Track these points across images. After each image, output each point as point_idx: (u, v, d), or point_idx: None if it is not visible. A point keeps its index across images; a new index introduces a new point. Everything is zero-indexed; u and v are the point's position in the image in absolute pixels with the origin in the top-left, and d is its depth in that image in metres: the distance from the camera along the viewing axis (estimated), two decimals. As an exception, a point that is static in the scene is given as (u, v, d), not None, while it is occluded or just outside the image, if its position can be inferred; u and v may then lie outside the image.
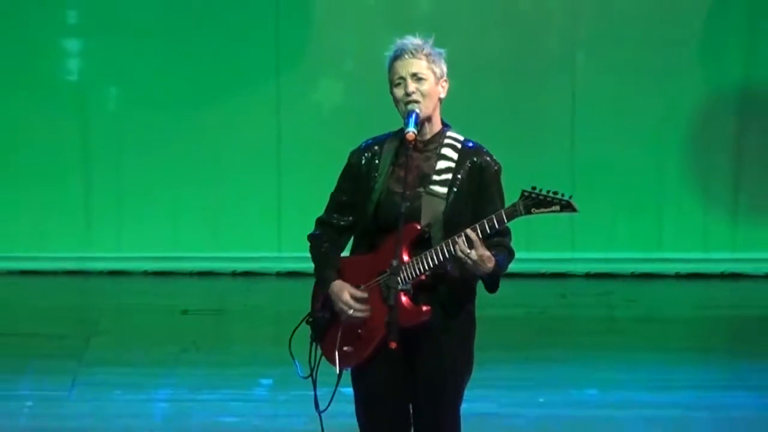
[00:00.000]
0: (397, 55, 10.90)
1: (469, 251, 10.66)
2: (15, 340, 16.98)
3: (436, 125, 11.02)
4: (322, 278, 11.13)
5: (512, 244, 10.86)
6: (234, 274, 18.01)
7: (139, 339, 17.24)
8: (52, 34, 18.66)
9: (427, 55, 11.08)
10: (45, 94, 18.20)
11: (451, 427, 11.48)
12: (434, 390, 11.59)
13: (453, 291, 11.18)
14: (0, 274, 18.98)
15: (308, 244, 10.87)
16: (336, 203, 11.13)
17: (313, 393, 10.80)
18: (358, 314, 10.94)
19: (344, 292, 10.89)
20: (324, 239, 11.25)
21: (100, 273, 18.69)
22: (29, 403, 16.10)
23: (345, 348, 11.20)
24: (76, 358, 16.68)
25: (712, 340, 18.28)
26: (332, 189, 10.91)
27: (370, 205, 11.23)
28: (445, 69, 11.01)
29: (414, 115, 10.68)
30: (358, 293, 10.94)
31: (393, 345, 10.74)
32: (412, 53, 11.06)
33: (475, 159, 11.04)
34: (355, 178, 11.14)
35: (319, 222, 11.14)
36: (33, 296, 18.45)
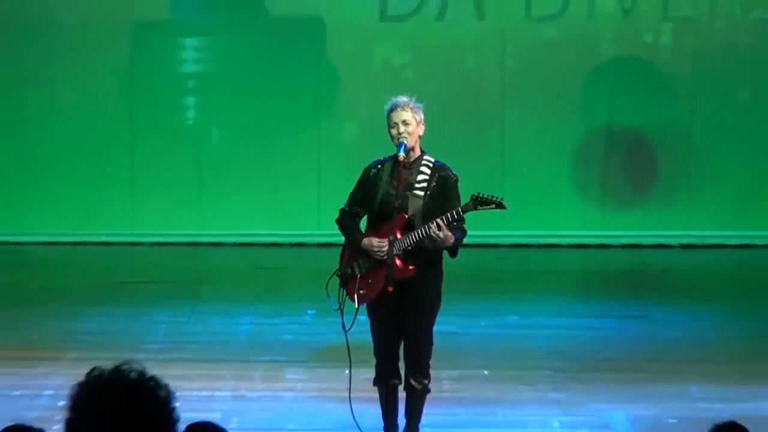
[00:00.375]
0: (392, 108, 12.04)
1: (438, 232, 11.69)
2: (157, 286, 16.89)
3: (417, 152, 12.13)
4: (353, 240, 12.11)
5: (465, 226, 11.95)
6: (290, 244, 17.65)
7: (232, 286, 17.33)
8: (178, 95, 17.72)
9: (411, 108, 12.07)
10: (171, 133, 17.39)
11: (427, 341, 12.30)
12: (416, 317, 12.27)
13: (428, 256, 12.12)
14: (143, 245, 18.47)
15: (337, 224, 12.15)
16: (354, 199, 12.20)
17: (341, 319, 11.85)
18: (382, 252, 11.76)
19: (372, 241, 11.84)
20: (347, 220, 12.19)
21: (207, 244, 18.32)
22: (164, 325, 16.22)
23: (360, 291, 11.99)
24: (193, 298, 16.73)
25: (591, 287, 18.65)
26: (351, 190, 12.14)
27: (375, 202, 12.11)
28: (422, 117, 12.13)
29: (402, 146, 11.83)
30: (376, 241, 11.82)
31: (390, 289, 11.80)
32: (402, 107, 12.09)
33: (441, 173, 12.16)
34: (366, 184, 12.17)
35: (342, 211, 12.15)
36: (165, 260, 18.21)
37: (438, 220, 11.68)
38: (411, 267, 11.89)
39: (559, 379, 14.21)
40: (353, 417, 11.84)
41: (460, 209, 11.85)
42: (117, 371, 5.48)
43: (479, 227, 18.62)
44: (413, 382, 12.05)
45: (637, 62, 19.22)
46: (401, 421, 12.16)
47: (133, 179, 18.78)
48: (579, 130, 19.49)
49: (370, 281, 11.92)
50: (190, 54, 19.21)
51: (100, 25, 18.89)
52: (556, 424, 13.06)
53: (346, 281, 12.00)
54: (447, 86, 18.92)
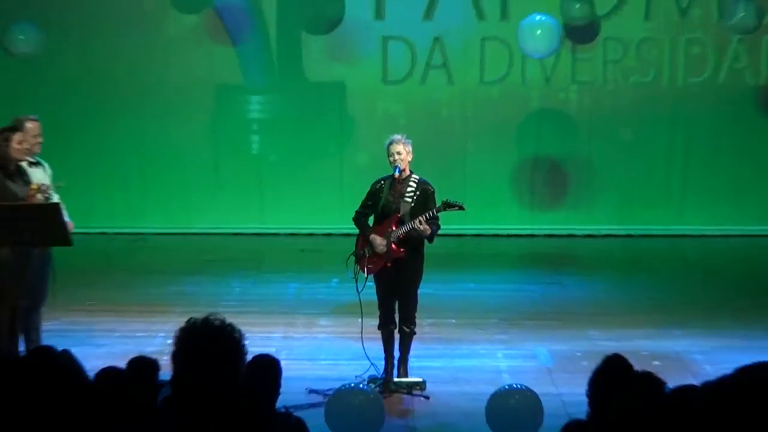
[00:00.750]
0: (390, 142, 12.04)
1: (419, 226, 11.75)
2: (232, 263, 16.73)
3: (407, 172, 12.07)
4: (364, 231, 12.06)
5: (439, 222, 11.88)
6: (322, 234, 17.37)
7: (283, 263, 17.13)
8: (247, 133, 17.34)
9: (403, 143, 12.03)
10: (242, 158, 16.84)
11: (413, 300, 12.21)
12: (406, 284, 12.17)
13: (414, 243, 12.03)
14: (221, 235, 18.21)
15: (353, 221, 12.12)
16: (364, 204, 12.19)
17: (356, 285, 11.76)
18: (382, 246, 11.75)
19: (376, 239, 11.81)
20: (360, 218, 12.15)
21: (266, 234, 17.97)
22: (237, 288, 15.83)
23: (369, 265, 11.91)
24: (256, 270, 16.68)
25: (523, 264, 18.15)
26: (363, 197, 12.09)
27: (378, 206, 12.08)
28: (410, 148, 12.04)
29: (397, 169, 11.90)
30: (379, 239, 11.76)
31: (389, 265, 11.91)
32: (397, 142, 12.06)
33: (423, 186, 12.11)
34: (373, 194, 12.15)
35: (357, 212, 12.18)
36: (237, 246, 17.88)
37: (420, 217, 11.71)
38: (402, 250, 11.81)
39: (502, 325, 14.05)
40: (364, 351, 11.78)
41: (434, 210, 11.81)
42: (206, 320, 5.60)
43: (449, 223, 18.76)
44: (404, 328, 12.04)
45: (554, 111, 18.99)
46: (396, 354, 11.99)
47: (217, 188, 18.66)
48: (516, 157, 19.04)
49: (375, 259, 11.84)
50: (255, 106, 19.07)
51: (195, 87, 18.68)
52: (500, 355, 12.95)
53: (359, 259, 11.91)
54: (427, 128, 18.49)
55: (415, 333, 12.18)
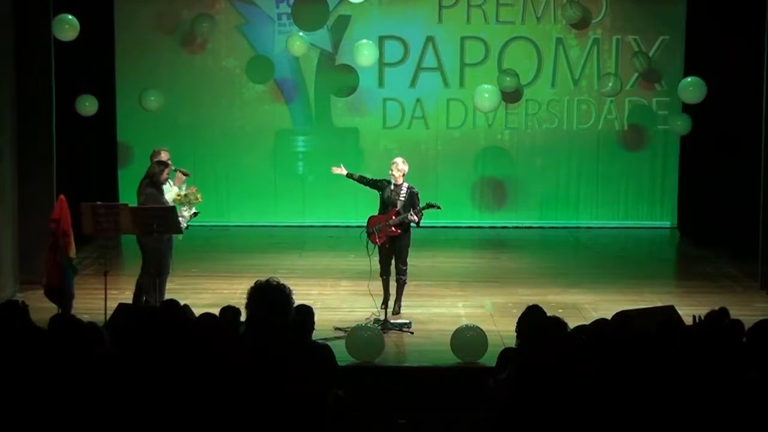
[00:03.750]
0: (392, 163, 12.21)
1: (411, 217, 11.84)
2: (285, 245, 16.28)
3: (400, 181, 12.09)
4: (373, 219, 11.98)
5: (422, 215, 11.88)
6: (344, 226, 17.11)
7: (317, 245, 16.66)
8: (295, 160, 17.34)
9: (398, 164, 12.14)
10: (291, 176, 16.88)
11: (405, 261, 12.09)
12: (400, 252, 12.08)
13: (405, 226, 11.96)
14: (281, 227, 18.30)
15: (359, 176, 12.42)
16: (371, 178, 12.38)
17: (368, 254, 11.72)
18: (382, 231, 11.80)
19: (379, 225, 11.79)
20: (364, 177, 12.40)
21: (306, 227, 18.14)
22: (287, 261, 15.33)
23: (377, 240, 11.91)
24: (299, 250, 16.29)
25: (476, 246, 17.69)
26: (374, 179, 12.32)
27: (383, 197, 12.14)
28: (406, 167, 12.17)
29: (392, 182, 12.05)
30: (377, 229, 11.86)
31: (387, 243, 11.89)
32: (396, 163, 12.21)
33: (411, 191, 12.08)
34: (378, 182, 12.29)
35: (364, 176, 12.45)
36: (285, 234, 17.69)
37: (412, 210, 11.84)
38: (398, 231, 11.90)
39: (461, 285, 13.88)
40: (370, 292, 11.83)
41: (419, 208, 11.90)
42: (268, 281, 5.53)
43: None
44: (400, 277, 12.12)
45: (495, 147, 18.58)
46: (394, 296, 12.09)
47: (275, 196, 18.46)
48: (471, 177, 18.55)
49: (380, 236, 11.88)
50: (300, 143, 18.67)
51: (263, 131, 18.43)
52: (460, 305, 12.81)
53: (369, 235, 11.93)
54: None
55: (405, 282, 12.21)
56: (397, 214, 12.11)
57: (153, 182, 11.67)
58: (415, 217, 12.10)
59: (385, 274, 12.20)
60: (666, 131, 18.37)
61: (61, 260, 11.14)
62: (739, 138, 15.84)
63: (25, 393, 5.89)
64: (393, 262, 12.20)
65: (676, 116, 16.75)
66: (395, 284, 12.23)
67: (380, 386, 9.75)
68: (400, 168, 12.33)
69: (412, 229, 12.23)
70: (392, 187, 12.25)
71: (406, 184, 12.26)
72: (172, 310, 7.58)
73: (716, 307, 7.68)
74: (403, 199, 12.18)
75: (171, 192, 11.99)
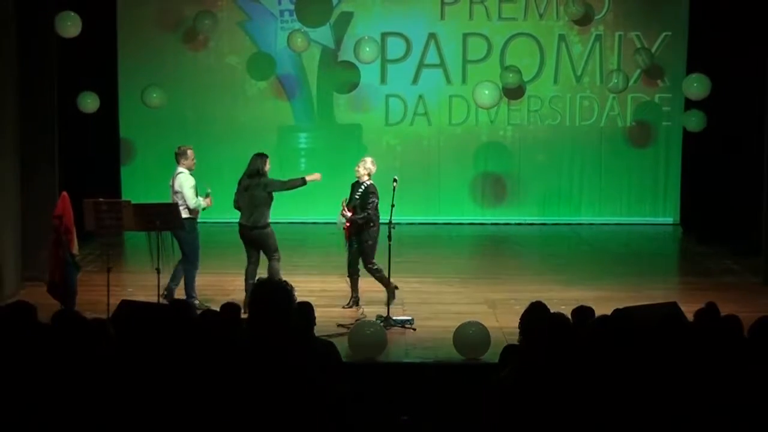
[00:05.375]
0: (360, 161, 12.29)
1: (353, 217, 11.95)
2: (287, 242, 16.25)
3: (362, 179, 12.08)
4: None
5: (366, 218, 11.95)
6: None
7: (319, 241, 16.38)
8: (298, 156, 17.27)
9: (369, 162, 12.24)
10: (293, 172, 16.88)
11: (372, 262, 12.00)
12: (362, 251, 12.04)
13: (358, 227, 12.01)
14: (283, 223, 17.98)
15: None
16: None
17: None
18: (340, 224, 12.06)
19: (340, 217, 11.97)
20: None
21: (311, 223, 17.94)
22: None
23: (344, 228, 11.93)
24: (302, 245, 16.34)
25: (478, 242, 17.79)
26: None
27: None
28: (369, 167, 12.15)
29: (357, 177, 12.17)
30: (340, 218, 11.99)
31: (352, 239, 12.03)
32: (365, 161, 12.27)
33: (367, 189, 12.03)
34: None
35: None
36: (287, 231, 17.52)
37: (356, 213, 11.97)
38: (348, 225, 11.99)
39: (464, 282, 13.76)
40: (347, 282, 11.96)
41: (358, 215, 12.03)
42: (269, 279, 5.52)
43: (429, 215, 18.61)
44: (374, 275, 12.11)
45: (496, 143, 18.60)
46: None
47: (277, 192, 18.58)
48: (472, 173, 18.53)
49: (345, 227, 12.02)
50: (302, 140, 18.64)
51: (265, 127, 18.36)
52: (462, 301, 12.69)
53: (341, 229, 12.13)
54: (414, 154, 18.32)
55: (380, 270, 12.05)
56: (354, 212, 12.14)
57: (262, 173, 12.30)
58: (354, 219, 12.03)
59: (350, 274, 12.22)
60: (669, 127, 18.50)
61: (64, 257, 11.15)
62: (742, 134, 15.79)
63: (32, 390, 5.91)
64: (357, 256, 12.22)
65: (690, 113, 16.44)
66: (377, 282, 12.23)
67: (383, 383, 9.73)
68: (367, 167, 12.31)
69: (369, 228, 12.07)
70: (354, 184, 12.30)
71: (367, 182, 12.17)
72: (179, 309, 7.61)
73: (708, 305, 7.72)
74: (357, 197, 12.18)
75: (198, 201, 12.25)
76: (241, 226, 12.30)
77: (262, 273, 12.07)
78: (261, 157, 12.52)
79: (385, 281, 12.21)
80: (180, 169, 12.30)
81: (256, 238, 12.21)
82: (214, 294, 12.55)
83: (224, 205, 12.92)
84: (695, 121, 16.34)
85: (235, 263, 13.21)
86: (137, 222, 11.48)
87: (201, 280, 12.60)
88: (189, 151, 12.34)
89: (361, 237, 12.15)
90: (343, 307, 12.14)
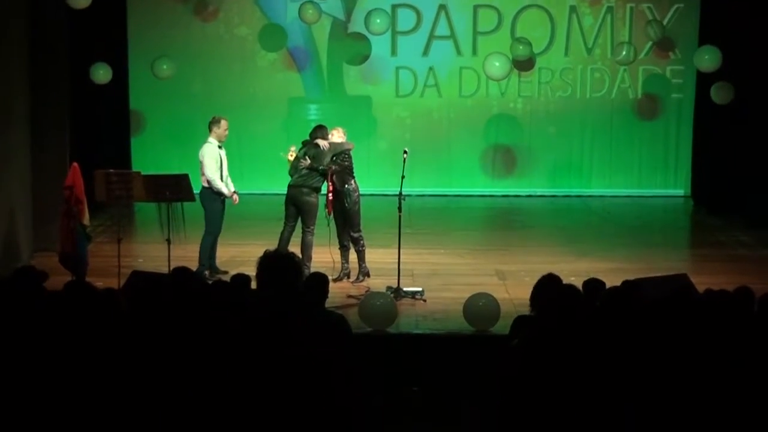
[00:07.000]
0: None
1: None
2: None
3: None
4: None
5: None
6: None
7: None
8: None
9: (335, 133, 12.22)
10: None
11: (357, 229, 11.93)
12: (344, 219, 11.92)
13: (341, 194, 11.87)
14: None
15: None
16: None
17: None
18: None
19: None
20: None
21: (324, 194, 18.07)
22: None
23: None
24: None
25: (489, 214, 17.69)
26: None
27: None
28: (339, 140, 12.08)
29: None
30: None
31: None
32: (338, 130, 12.27)
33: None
34: None
35: None
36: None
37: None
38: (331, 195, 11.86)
39: (473, 253, 13.71)
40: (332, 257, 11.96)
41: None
42: (277, 250, 5.51)
43: (439, 187, 18.59)
44: (355, 247, 12.00)
45: (507, 115, 18.51)
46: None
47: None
48: (482, 145, 18.47)
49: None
50: (313, 111, 18.51)
51: (275, 99, 18.36)
52: (472, 273, 12.64)
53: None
54: (424, 126, 18.30)
55: (364, 248, 12.01)
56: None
57: (317, 143, 12.15)
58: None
59: (341, 246, 12.13)
60: (680, 99, 18.45)
61: (75, 227, 11.16)
62: (753, 106, 15.73)
63: (41, 357, 5.93)
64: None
65: (718, 85, 15.85)
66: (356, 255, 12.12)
67: (393, 354, 9.70)
68: (339, 135, 12.23)
69: (351, 195, 12.00)
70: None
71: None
72: (185, 278, 7.60)
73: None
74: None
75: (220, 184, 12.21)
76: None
77: (267, 245, 11.97)
78: (320, 128, 12.51)
79: (362, 257, 12.14)
80: (210, 139, 12.36)
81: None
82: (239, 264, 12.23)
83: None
84: (723, 94, 15.73)
85: (253, 236, 13.32)
86: (147, 193, 11.51)
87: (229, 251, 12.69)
88: (223, 121, 12.39)
89: (343, 206, 12.06)
90: (352, 283, 12.12)
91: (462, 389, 9.08)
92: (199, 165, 12.28)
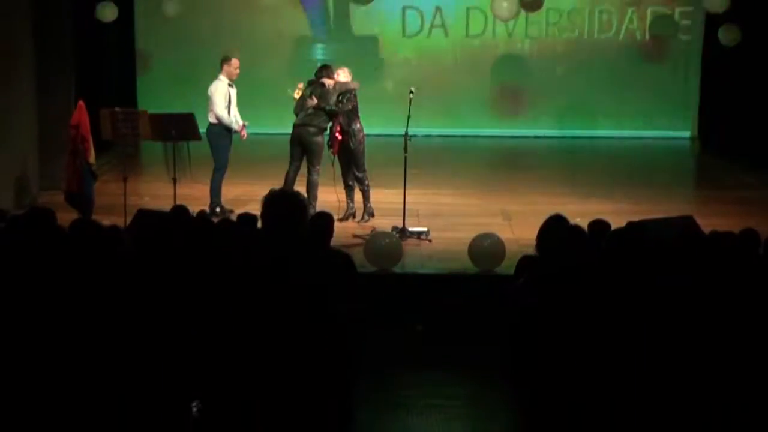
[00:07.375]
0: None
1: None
2: None
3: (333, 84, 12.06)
4: None
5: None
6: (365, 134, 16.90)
7: None
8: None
9: (341, 72, 12.11)
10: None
11: (361, 169, 11.92)
12: (349, 159, 11.85)
13: (347, 134, 11.76)
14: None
15: None
16: None
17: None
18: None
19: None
20: None
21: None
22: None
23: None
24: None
25: (495, 152, 17.68)
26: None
27: None
28: (343, 80, 12.03)
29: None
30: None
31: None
32: (344, 70, 12.19)
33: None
34: None
35: None
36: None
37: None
38: (339, 136, 11.73)
39: (478, 194, 13.72)
40: (338, 199, 11.92)
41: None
42: (282, 189, 5.51)
43: (447, 128, 18.57)
44: (360, 186, 11.99)
45: (514, 56, 18.51)
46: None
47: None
48: (489, 85, 18.46)
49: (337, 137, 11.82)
50: (319, 51, 18.51)
51: (281, 38, 18.30)
52: (477, 213, 12.68)
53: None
54: (431, 67, 18.20)
55: (368, 188, 12.03)
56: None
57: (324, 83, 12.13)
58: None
59: (345, 186, 12.12)
60: (688, 41, 18.41)
61: (81, 166, 11.24)
62: (760, 48, 15.67)
63: (52, 295, 5.96)
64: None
65: (726, 27, 15.79)
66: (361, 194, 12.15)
67: (398, 294, 9.74)
68: (345, 75, 12.17)
69: (356, 135, 11.95)
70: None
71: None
72: (183, 215, 7.65)
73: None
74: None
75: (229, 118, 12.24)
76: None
77: (273, 184, 11.96)
78: (325, 68, 12.46)
79: (367, 197, 12.17)
80: (220, 76, 12.38)
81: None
82: (244, 203, 12.32)
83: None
84: (731, 36, 15.73)
85: (260, 177, 13.25)
86: (153, 132, 11.49)
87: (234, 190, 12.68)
88: (234, 60, 12.43)
89: (348, 146, 12.02)
90: (357, 223, 12.11)
91: (466, 328, 9.14)
92: (208, 101, 12.26)
